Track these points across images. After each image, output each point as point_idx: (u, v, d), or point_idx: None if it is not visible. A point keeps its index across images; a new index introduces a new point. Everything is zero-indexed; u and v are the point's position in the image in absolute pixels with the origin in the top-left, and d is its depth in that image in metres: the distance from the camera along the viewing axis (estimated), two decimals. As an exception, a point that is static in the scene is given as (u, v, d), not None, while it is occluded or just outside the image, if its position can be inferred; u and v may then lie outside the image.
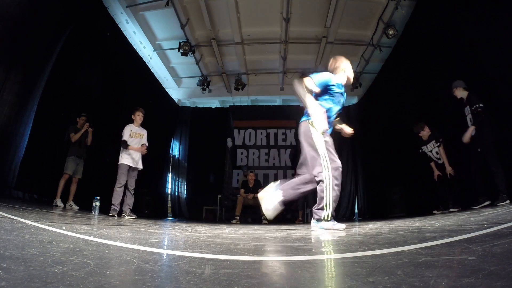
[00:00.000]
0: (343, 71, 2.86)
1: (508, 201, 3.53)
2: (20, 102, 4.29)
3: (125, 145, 4.83)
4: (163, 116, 9.10)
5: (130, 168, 4.85)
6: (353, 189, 9.42)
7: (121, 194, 4.67)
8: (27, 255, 1.00)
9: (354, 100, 9.83)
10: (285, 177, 9.86)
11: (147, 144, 5.09)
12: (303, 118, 2.72)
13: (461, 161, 4.47)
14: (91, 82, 6.06)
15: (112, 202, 4.58)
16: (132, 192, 4.89)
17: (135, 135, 4.96)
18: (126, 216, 4.60)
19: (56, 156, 5.22)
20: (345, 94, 2.88)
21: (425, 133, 4.88)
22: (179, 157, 10.25)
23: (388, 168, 7.47)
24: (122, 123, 5.06)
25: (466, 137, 3.97)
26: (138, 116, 5.03)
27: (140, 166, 4.98)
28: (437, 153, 4.77)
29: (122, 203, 4.75)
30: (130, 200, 4.83)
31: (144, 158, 5.03)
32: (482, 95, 4.09)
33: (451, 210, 4.37)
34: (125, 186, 4.77)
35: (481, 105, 3.90)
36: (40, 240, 1.32)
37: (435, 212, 4.54)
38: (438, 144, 4.73)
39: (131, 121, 5.05)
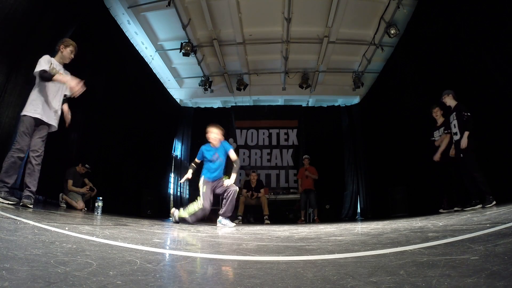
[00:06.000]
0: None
1: (494, 202, 3.63)
2: (23, 103, 4.27)
3: (47, 75, 3.03)
4: (165, 116, 9.12)
5: (39, 124, 3.11)
6: (356, 188, 9.39)
7: (19, 165, 2.98)
8: (30, 256, 1.00)
9: (356, 100, 9.81)
10: (287, 176, 9.87)
11: (68, 94, 3.33)
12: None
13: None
14: (93, 83, 6.07)
15: (1, 178, 2.86)
16: (37, 162, 3.02)
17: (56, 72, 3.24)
18: (23, 202, 2.92)
19: (59, 157, 5.23)
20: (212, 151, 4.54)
21: (438, 116, 4.84)
22: (181, 157, 10.26)
23: (391, 168, 7.44)
24: (123, 123, 4.79)
25: (464, 142, 4.01)
26: (68, 50, 3.33)
27: (55, 123, 3.22)
28: (455, 126, 4.36)
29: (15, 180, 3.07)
30: (30, 177, 2.98)
31: (144, 155, 4.39)
32: (480, 95, 4.19)
33: (455, 209, 4.37)
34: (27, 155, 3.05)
35: (469, 113, 4.06)
36: (43, 240, 1.33)
37: (441, 210, 4.53)
38: (459, 119, 4.24)
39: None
